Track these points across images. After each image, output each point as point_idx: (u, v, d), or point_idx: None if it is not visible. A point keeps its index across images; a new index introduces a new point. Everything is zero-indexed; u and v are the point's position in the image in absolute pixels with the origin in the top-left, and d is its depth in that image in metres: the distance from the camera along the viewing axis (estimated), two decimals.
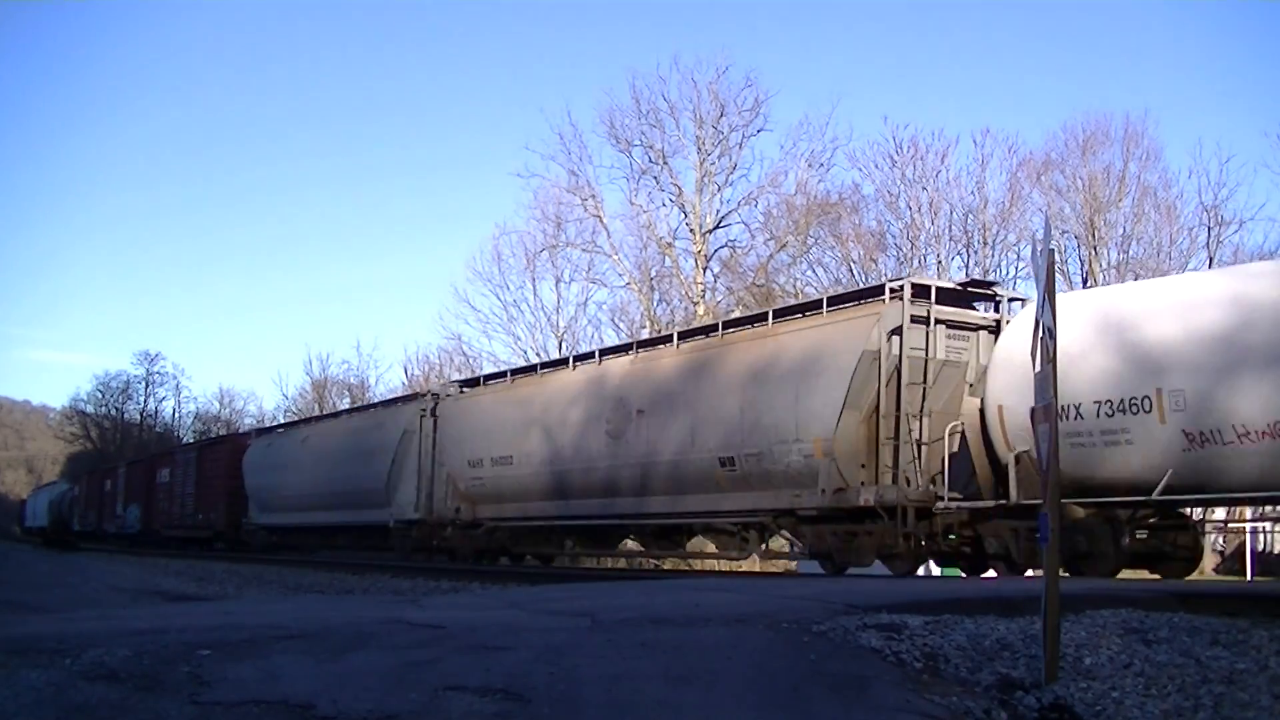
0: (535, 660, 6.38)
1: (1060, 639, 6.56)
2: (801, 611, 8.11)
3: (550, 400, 25.06)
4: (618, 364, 24.16)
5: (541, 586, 14.15)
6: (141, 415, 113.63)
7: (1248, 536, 50.12)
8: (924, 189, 63.52)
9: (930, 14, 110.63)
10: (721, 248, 63.58)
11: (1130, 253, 61.52)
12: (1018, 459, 15.77)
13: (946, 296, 19.24)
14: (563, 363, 26.42)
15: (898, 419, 18.01)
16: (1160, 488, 14.27)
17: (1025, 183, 63.55)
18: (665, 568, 32.92)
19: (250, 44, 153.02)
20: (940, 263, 62.10)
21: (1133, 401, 14.77)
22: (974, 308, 19.47)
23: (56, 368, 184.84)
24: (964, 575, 19.71)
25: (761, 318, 21.74)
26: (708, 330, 22.99)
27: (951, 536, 18.17)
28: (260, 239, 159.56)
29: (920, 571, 20.92)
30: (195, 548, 38.29)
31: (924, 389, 18.17)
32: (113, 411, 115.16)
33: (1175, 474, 14.16)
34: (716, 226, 63.44)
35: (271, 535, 36.59)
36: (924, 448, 17.94)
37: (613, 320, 64.37)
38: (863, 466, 18.40)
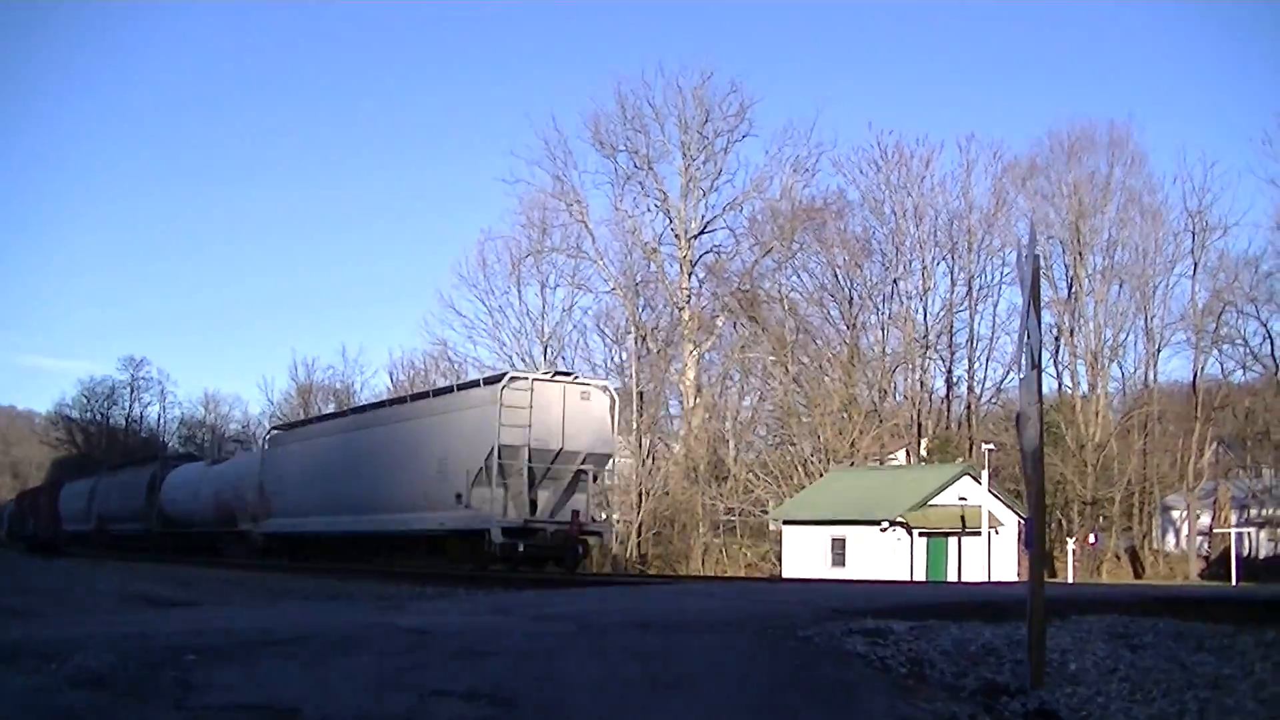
0: (521, 665, 6.40)
1: (1045, 644, 6.59)
2: (788, 616, 8.15)
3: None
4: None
5: (529, 592, 14.14)
6: (127, 420, 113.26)
7: (1233, 542, 50.44)
8: (909, 194, 63.93)
9: (915, 20, 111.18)
10: (707, 253, 63.97)
11: (1115, 258, 62.02)
12: None
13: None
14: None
15: None
16: None
17: (1010, 188, 64.10)
18: (650, 573, 33.57)
19: (236, 49, 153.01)
20: (925, 268, 62.43)
21: None
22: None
23: (43, 373, 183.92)
24: None
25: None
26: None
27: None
28: (247, 244, 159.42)
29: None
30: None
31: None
32: (98, 417, 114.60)
33: None
34: (701, 232, 63.76)
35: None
36: None
37: (598, 325, 64.67)
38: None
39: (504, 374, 28.92)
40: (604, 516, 30.89)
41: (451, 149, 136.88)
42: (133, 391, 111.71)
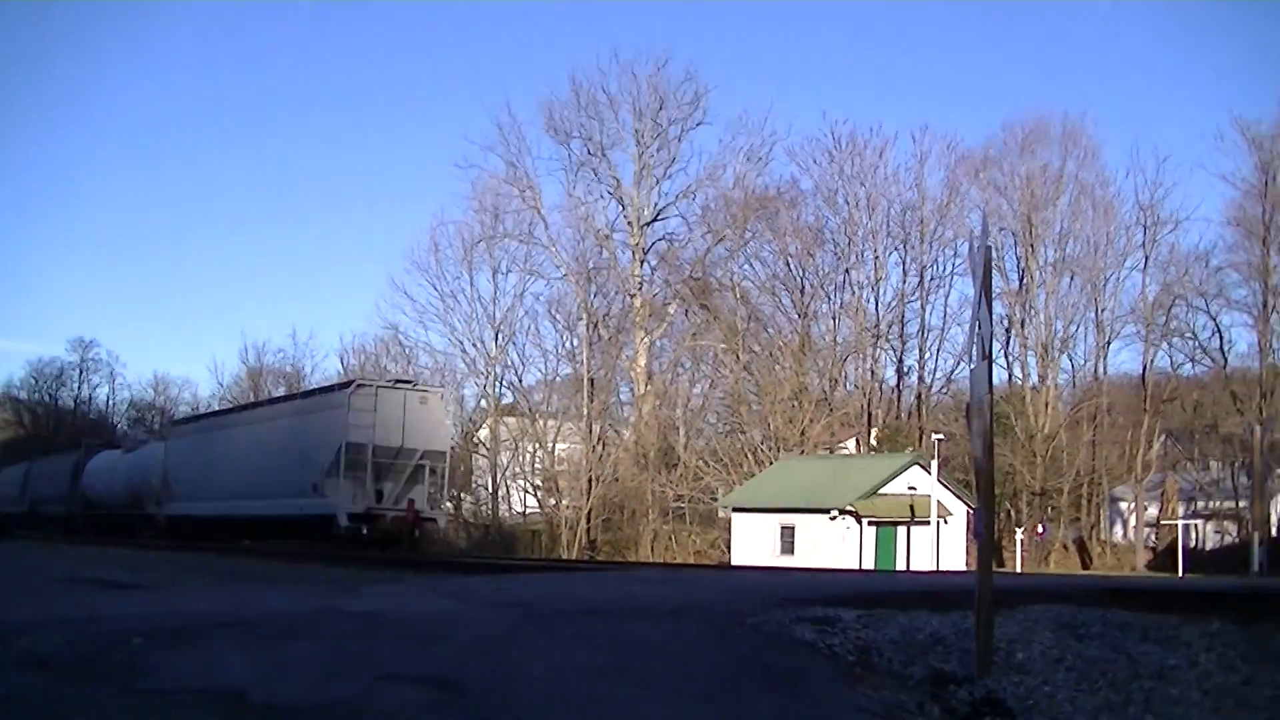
0: (471, 650, 6.43)
1: (993, 634, 6.64)
2: (736, 604, 8.19)
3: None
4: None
5: (477, 578, 14.10)
6: (75, 402, 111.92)
7: (1180, 533, 51.07)
8: (862, 184, 64.04)
9: (871, 12, 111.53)
10: (659, 241, 63.92)
11: (1067, 250, 62.43)
12: None
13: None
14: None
15: None
16: None
17: (964, 179, 64.26)
18: (599, 559, 34.22)
19: (189, 29, 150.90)
20: (878, 258, 62.76)
21: None
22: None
23: None
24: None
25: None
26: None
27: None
28: (197, 225, 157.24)
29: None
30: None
31: None
32: (46, 398, 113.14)
33: None
34: (654, 219, 63.68)
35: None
36: None
37: (550, 312, 64.45)
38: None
39: (352, 381, 36.21)
40: (442, 506, 35.44)
41: (406, 133, 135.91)
42: (82, 373, 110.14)
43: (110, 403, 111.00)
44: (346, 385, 34.21)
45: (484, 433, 64.97)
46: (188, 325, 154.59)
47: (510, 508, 63.51)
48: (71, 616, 7.53)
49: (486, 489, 64.34)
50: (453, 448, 37.62)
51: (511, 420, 63.75)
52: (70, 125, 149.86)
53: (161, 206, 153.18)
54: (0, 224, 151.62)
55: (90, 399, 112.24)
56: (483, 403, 66.46)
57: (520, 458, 63.71)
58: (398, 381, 37.27)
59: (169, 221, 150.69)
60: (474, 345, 63.92)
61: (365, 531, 30.63)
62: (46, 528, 53.60)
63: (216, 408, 75.37)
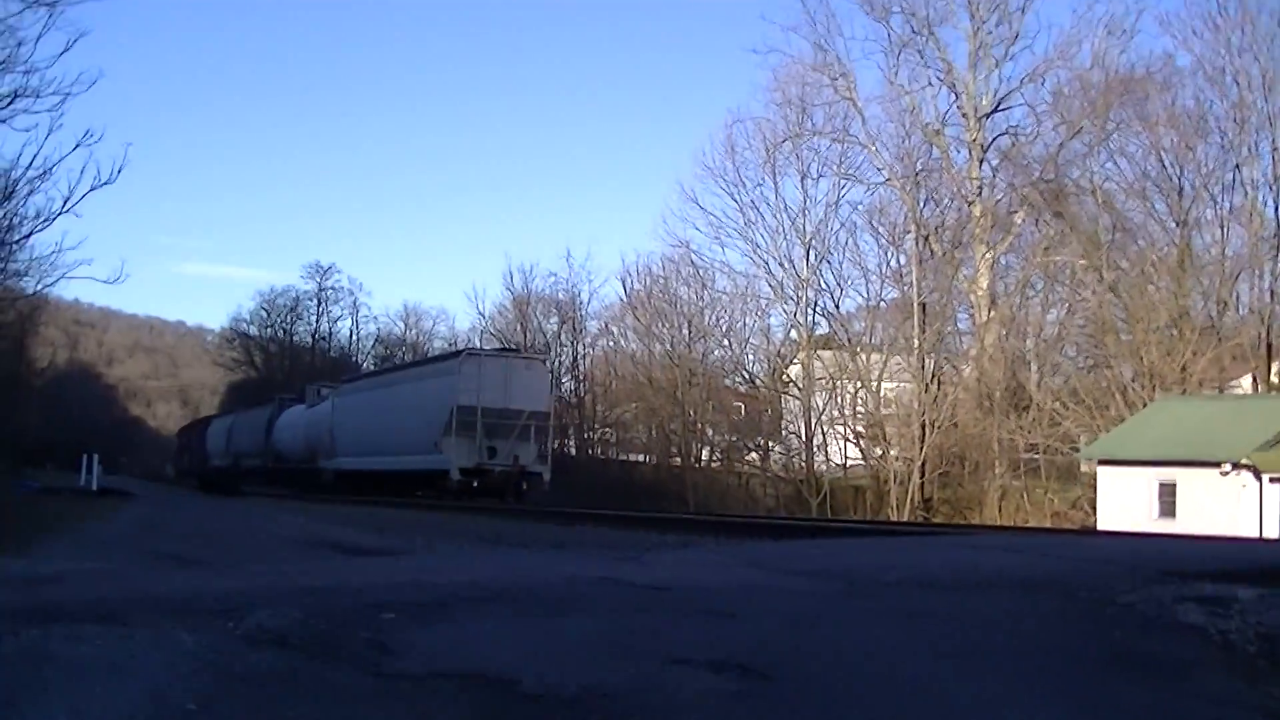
0: (779, 631, 6.34)
1: None
2: (1103, 577, 7.91)
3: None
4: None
5: (787, 542, 14.12)
6: (314, 337, 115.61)
7: None
8: (1256, 59, 60.68)
9: None
10: (1001, 135, 62.03)
11: None
12: None
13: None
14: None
15: None
16: None
17: None
18: (935, 521, 33.85)
19: None
20: (1276, 150, 59.26)
21: None
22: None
23: (214, 283, 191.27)
24: None
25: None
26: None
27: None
28: (449, 136, 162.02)
29: None
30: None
31: None
32: (280, 333, 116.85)
33: None
34: (994, 110, 61.86)
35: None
36: None
37: (870, 223, 63.41)
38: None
39: (462, 350, 53.12)
40: (548, 461, 44.15)
41: (693, 16, 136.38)
42: (320, 304, 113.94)
43: (354, 337, 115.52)
44: (458, 354, 48.00)
45: (795, 370, 64.50)
46: (442, 248, 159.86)
47: (828, 459, 62.80)
48: (313, 586, 7.78)
49: (799, 437, 63.81)
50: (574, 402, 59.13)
51: (827, 354, 62.87)
52: (305, 42, 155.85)
53: (406, 120, 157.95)
54: (220, 142, 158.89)
55: (330, 333, 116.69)
56: (793, 334, 65.90)
57: (839, 399, 62.97)
58: (504, 350, 55.79)
59: (416, 135, 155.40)
60: (781, 265, 63.67)
61: (476, 484, 40.52)
62: (281, 485, 62.57)
63: (448, 349, 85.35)
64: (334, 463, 53.95)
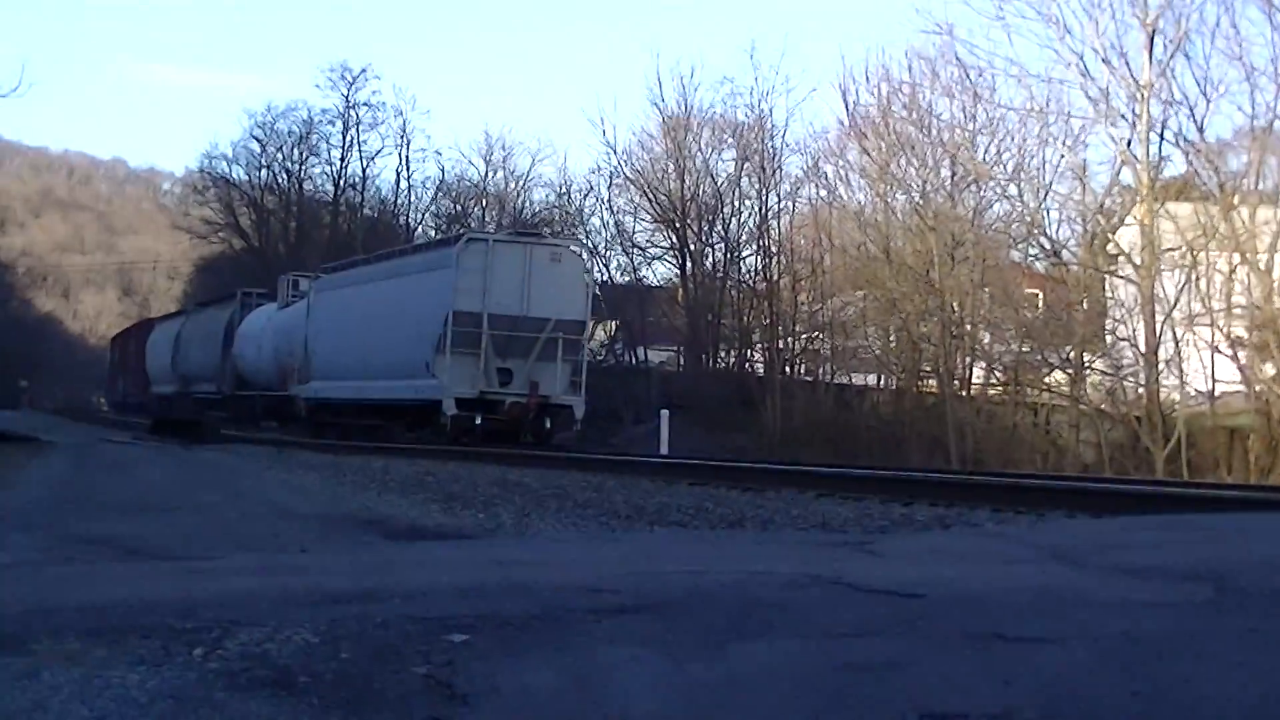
0: (1106, 669, 4.26)
1: None
2: None
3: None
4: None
5: (1115, 518, 10.21)
6: (336, 184, 74.79)
7: None
8: None
9: None
10: None
11: None
12: None
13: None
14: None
15: None
16: None
17: None
18: None
19: None
20: None
21: None
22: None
23: (175, 97, 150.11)
24: None
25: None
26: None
27: None
28: None
29: None
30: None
31: None
32: (282, 178, 77.42)
33: None
34: None
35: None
36: None
37: None
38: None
39: (461, 234, 36.85)
40: (579, 392, 32.92)
41: None
42: (348, 130, 72.50)
43: (403, 185, 73.47)
44: (458, 238, 33.62)
45: (1127, 237, 43.10)
46: (545, 49, 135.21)
47: (1184, 383, 41.18)
48: (335, 590, 5.64)
49: (1134, 346, 41.38)
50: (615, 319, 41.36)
51: (1185, 209, 40.33)
52: None
53: None
54: None
55: (364, 179, 74.62)
56: (1125, 175, 41.16)
57: (1204, 284, 41.01)
58: (520, 233, 37.11)
59: None
60: (1106, 60, 43.00)
61: (479, 421, 30.03)
62: (246, 420, 45.66)
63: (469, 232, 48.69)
64: (309, 389, 39.02)
